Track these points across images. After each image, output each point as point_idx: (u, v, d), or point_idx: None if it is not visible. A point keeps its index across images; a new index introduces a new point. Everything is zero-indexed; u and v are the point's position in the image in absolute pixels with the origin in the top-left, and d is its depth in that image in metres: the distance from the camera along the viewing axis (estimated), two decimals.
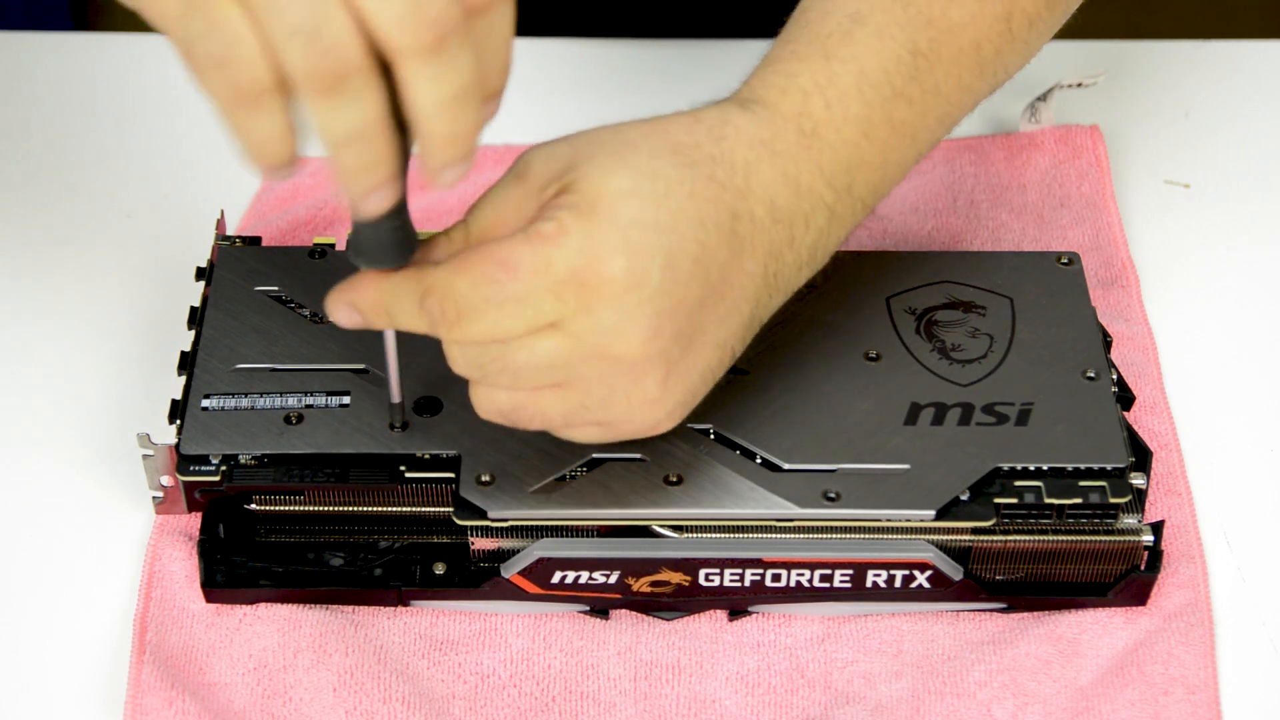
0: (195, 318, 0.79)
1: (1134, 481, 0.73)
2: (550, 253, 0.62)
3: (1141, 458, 0.75)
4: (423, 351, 0.76)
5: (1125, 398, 0.79)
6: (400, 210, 0.63)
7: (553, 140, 0.66)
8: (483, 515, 0.71)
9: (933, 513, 0.71)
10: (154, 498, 0.76)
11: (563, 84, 0.99)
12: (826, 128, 0.68)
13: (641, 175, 0.64)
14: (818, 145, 0.68)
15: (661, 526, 0.72)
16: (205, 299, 0.79)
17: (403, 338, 0.77)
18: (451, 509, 0.72)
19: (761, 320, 0.69)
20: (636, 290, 0.63)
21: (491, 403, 0.66)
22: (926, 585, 0.73)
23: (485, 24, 0.58)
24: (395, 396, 0.73)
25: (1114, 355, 0.82)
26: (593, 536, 0.72)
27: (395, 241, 0.64)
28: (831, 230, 0.69)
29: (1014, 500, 0.72)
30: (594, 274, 0.62)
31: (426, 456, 0.73)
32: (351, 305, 0.66)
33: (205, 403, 0.75)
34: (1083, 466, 0.73)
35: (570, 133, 0.67)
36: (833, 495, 0.72)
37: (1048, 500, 0.72)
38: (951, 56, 0.71)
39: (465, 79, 0.58)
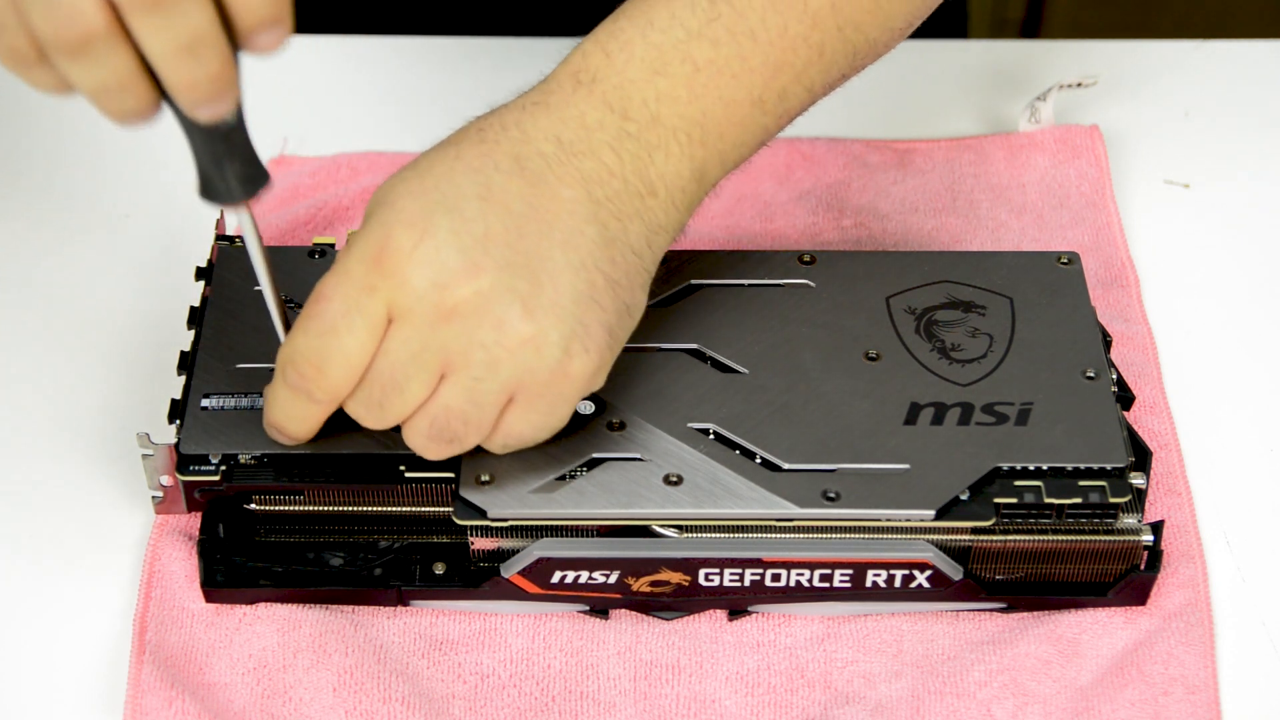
0: (195, 318, 0.79)
1: (1134, 481, 0.73)
2: (345, 262, 0.66)
3: (1141, 458, 0.75)
4: None
5: (1125, 398, 0.79)
6: (242, 141, 0.64)
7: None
8: (482, 515, 0.71)
9: (932, 512, 0.71)
10: (154, 497, 0.76)
11: None
12: (606, 72, 0.70)
13: (408, 168, 0.68)
14: (599, 88, 0.69)
15: (661, 526, 0.72)
16: (205, 299, 0.79)
17: None
18: (451, 509, 0.72)
19: (630, 244, 0.69)
20: (429, 239, 0.65)
21: (418, 435, 0.68)
22: (926, 585, 0.73)
23: None
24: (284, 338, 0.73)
25: (1114, 355, 0.82)
26: (593, 536, 0.72)
27: (241, 174, 0.65)
28: (654, 159, 0.70)
29: (1014, 500, 0.72)
30: (387, 251, 0.65)
31: None
32: (277, 430, 0.71)
33: (205, 402, 0.75)
34: (1082, 466, 0.73)
35: None
36: (832, 495, 0.72)
37: (1047, 500, 0.72)
38: (766, 2, 0.71)
39: (195, 28, 0.59)
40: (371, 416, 0.68)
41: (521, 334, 0.66)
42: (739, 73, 0.71)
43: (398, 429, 0.69)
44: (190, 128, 0.63)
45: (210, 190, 0.65)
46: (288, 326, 0.72)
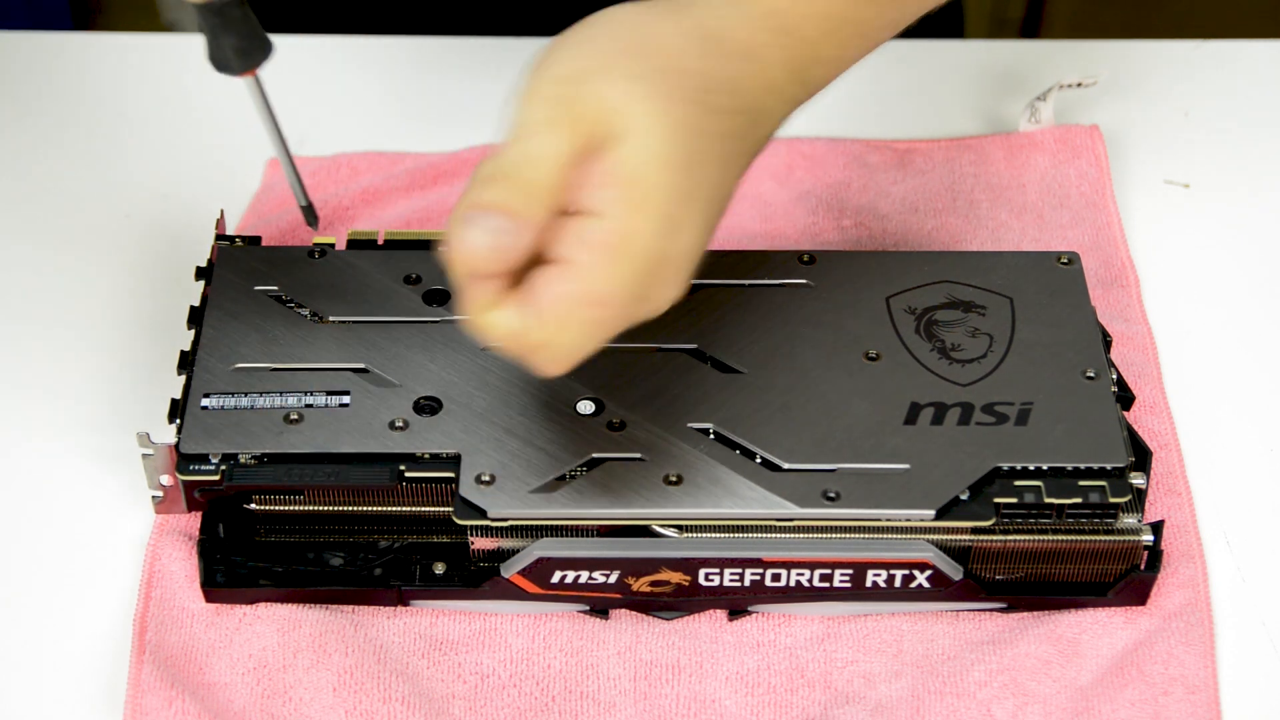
0: (195, 317, 0.79)
1: (1134, 481, 0.73)
2: (621, 264, 0.63)
3: (1141, 457, 0.75)
4: (424, 351, 0.77)
5: (1125, 398, 0.79)
6: (238, 19, 0.71)
7: (565, 59, 0.68)
8: (483, 515, 0.71)
9: (932, 512, 0.71)
10: (154, 497, 0.76)
11: None
12: (795, 22, 0.69)
13: (673, 133, 0.64)
14: (788, 43, 0.69)
15: (661, 526, 0.72)
16: (205, 299, 0.79)
17: (396, 338, 0.77)
18: (451, 508, 0.72)
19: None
20: (679, 212, 0.64)
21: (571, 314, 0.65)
22: (926, 585, 0.73)
23: None
24: (300, 197, 0.78)
25: (1114, 355, 0.82)
26: (593, 536, 0.72)
27: (237, 48, 0.71)
28: (785, 119, 0.70)
29: (1014, 500, 0.72)
30: (653, 257, 0.63)
31: (426, 456, 0.73)
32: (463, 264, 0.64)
33: (205, 402, 0.75)
34: (1082, 466, 0.73)
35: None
36: (832, 495, 0.72)
37: (1047, 500, 0.72)
38: None
39: None
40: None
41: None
42: (871, 34, 0.72)
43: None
44: (193, 5, 0.70)
45: (214, 61, 0.72)
46: (302, 187, 0.77)
